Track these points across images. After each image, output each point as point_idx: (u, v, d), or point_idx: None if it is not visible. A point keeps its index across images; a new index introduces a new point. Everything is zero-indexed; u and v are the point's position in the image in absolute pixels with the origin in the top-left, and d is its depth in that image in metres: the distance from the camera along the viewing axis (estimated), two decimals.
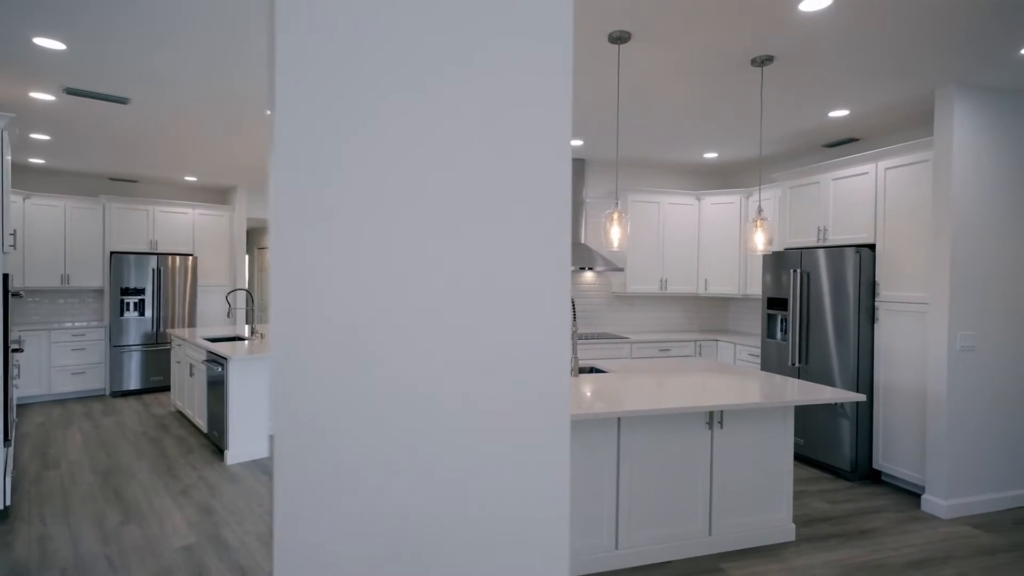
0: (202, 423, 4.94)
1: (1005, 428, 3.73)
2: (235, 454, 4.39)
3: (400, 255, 0.72)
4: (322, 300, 0.69)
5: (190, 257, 7.19)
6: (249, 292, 5.36)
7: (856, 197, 4.32)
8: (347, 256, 0.70)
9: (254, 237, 10.92)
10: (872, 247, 4.20)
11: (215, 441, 4.63)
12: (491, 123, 0.75)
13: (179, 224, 7.26)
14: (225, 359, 4.37)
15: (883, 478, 4.20)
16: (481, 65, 0.75)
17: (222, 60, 3.23)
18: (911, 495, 3.93)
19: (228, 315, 5.26)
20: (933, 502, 3.62)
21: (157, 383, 6.91)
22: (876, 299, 4.15)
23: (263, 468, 4.26)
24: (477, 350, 0.76)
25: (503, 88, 0.76)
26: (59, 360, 6.40)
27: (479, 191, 0.75)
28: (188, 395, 5.39)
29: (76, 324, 6.57)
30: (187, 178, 7.07)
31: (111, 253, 6.73)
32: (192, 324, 7.25)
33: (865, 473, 4.20)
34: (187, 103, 4.00)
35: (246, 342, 5.12)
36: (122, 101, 3.93)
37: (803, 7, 2.57)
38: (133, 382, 6.78)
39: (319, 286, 0.69)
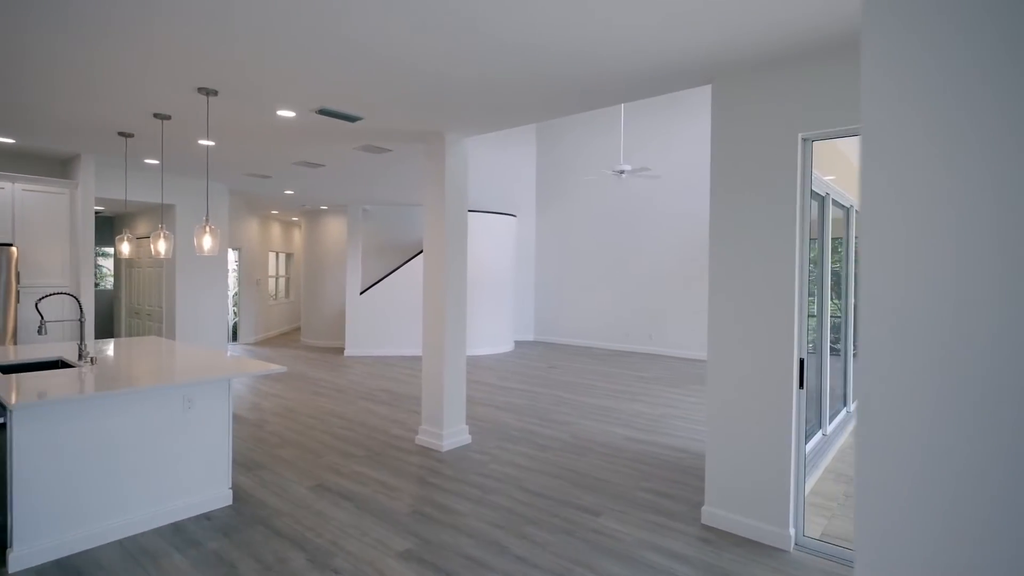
0: None
1: None
2: (24, 555, 2.80)
3: None
4: None
5: (9, 248, 5.30)
6: (76, 298, 3.72)
7: None
8: None
9: (119, 223, 8.86)
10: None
11: None
12: None
13: None
14: (3, 408, 2.77)
15: None
16: None
17: None
18: None
19: (40, 331, 3.60)
20: None
21: None
22: None
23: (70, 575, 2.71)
24: None
25: None
26: None
27: None
28: None
29: None
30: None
31: None
32: (15, 340, 5.38)
33: None
34: None
35: (76, 369, 3.50)
36: None
37: None
38: None
39: None
